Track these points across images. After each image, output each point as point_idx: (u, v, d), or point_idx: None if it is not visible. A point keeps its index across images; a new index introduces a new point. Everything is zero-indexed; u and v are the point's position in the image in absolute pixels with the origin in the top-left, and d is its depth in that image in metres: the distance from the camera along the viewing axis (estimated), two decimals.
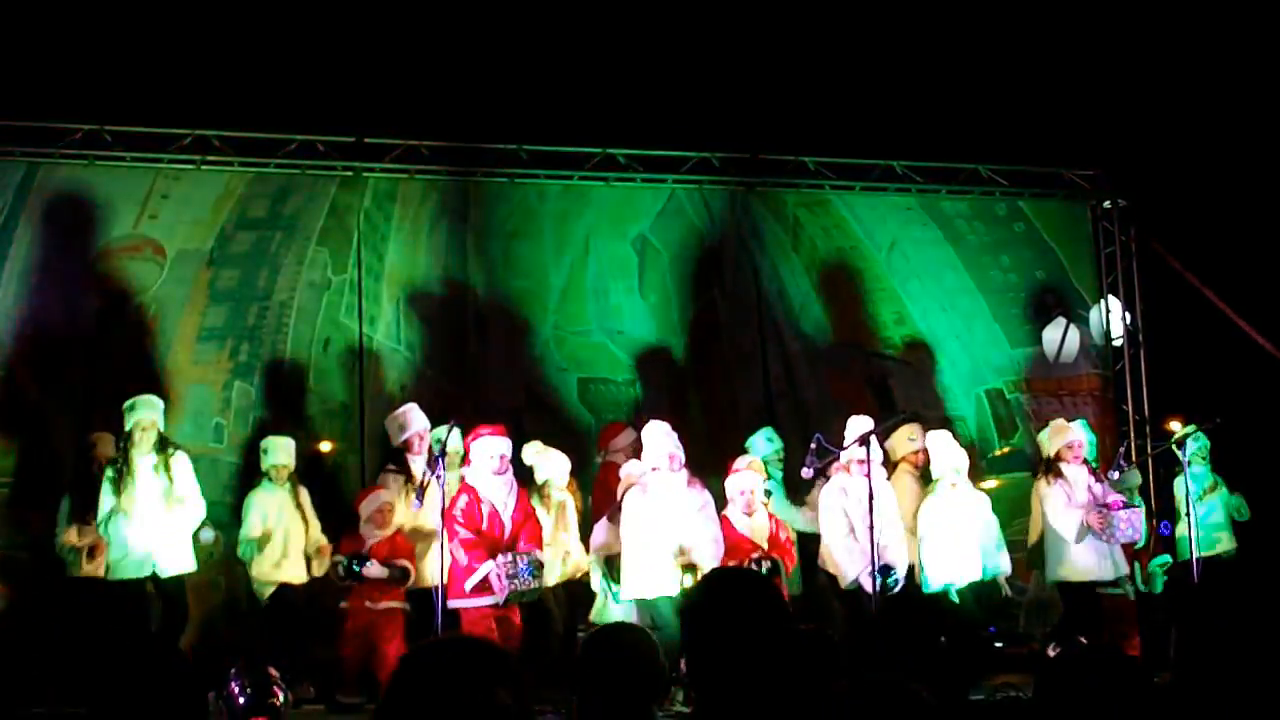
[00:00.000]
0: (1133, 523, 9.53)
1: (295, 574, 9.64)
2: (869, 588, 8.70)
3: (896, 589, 9.05)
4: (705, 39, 11.92)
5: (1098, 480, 9.76)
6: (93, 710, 3.26)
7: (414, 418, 9.93)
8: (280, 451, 9.79)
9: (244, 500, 9.74)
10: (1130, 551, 10.05)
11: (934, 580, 9.49)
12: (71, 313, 10.75)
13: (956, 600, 9.47)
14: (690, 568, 8.66)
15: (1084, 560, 9.59)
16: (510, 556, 8.38)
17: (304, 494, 9.81)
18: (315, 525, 9.76)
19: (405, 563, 9.34)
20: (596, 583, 9.36)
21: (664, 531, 8.69)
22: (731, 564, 8.92)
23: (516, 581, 8.38)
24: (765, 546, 9.24)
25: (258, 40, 11.18)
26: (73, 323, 10.73)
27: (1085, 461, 9.83)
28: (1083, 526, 9.52)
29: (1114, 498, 9.70)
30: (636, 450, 9.87)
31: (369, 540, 9.37)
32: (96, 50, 10.83)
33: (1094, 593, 9.66)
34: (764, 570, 8.91)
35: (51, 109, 10.78)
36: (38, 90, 10.62)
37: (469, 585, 8.36)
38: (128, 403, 9.22)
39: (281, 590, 9.60)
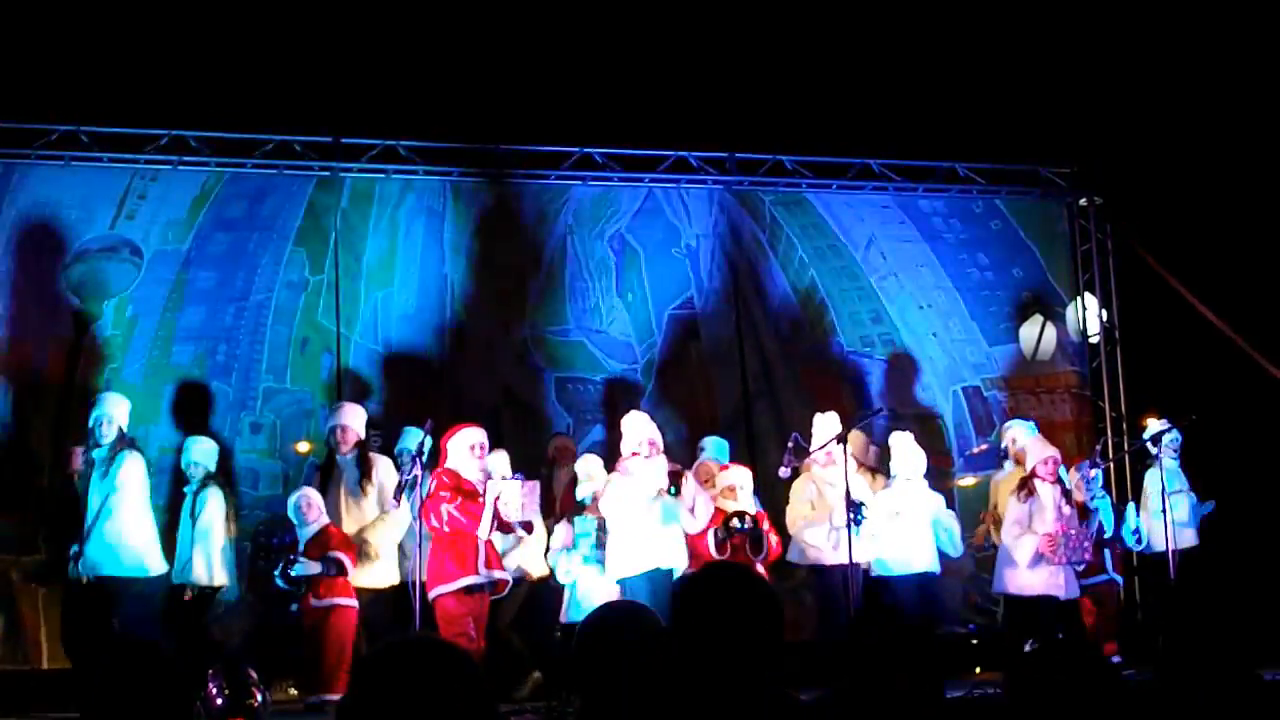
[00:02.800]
0: (1081, 542, 9.66)
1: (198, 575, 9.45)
2: (829, 560, 9.18)
3: (864, 524, 9.20)
4: (683, 38, 11.92)
5: (1069, 502, 9.85)
6: (83, 712, 3.25)
7: (343, 411, 9.79)
8: (192, 450, 9.69)
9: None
10: (1099, 549, 10.14)
11: (880, 567, 9.71)
12: (48, 314, 10.70)
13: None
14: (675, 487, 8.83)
15: (1031, 579, 9.76)
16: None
17: (214, 497, 9.57)
18: (217, 531, 9.51)
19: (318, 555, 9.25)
20: (564, 573, 9.36)
21: (648, 508, 8.77)
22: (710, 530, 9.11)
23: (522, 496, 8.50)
24: None
25: (234, 40, 11.14)
26: (49, 324, 10.68)
27: (1059, 480, 9.91)
28: (1035, 553, 9.69)
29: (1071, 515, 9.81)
30: (558, 459, 10.21)
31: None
32: (72, 51, 10.77)
33: (1037, 607, 9.76)
34: (743, 526, 9.07)
35: (27, 109, 10.72)
36: (13, 91, 10.55)
37: (483, 528, 8.37)
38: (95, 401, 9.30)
39: (176, 589, 9.49)
